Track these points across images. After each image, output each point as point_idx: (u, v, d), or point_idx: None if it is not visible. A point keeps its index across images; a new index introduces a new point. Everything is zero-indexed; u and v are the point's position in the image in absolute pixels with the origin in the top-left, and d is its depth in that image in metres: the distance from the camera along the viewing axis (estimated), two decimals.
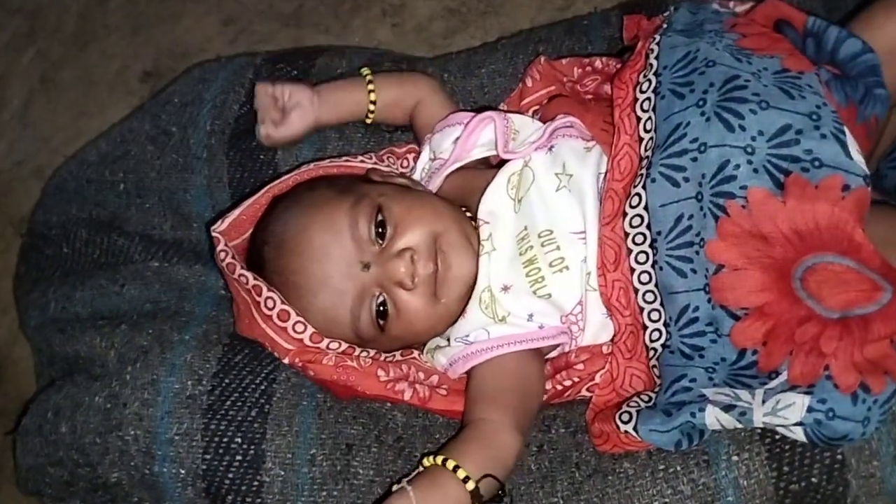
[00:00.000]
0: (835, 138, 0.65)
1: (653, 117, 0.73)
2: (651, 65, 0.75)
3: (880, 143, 0.82)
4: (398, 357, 0.79)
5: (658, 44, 0.76)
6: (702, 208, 0.68)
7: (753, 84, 0.68)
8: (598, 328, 0.76)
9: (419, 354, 0.81)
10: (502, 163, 0.81)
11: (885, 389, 0.63)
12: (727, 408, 0.65)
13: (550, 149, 0.80)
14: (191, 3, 1.27)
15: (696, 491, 0.66)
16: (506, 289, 0.76)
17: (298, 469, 0.71)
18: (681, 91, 0.71)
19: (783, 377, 0.65)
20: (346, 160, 0.86)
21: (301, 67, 0.98)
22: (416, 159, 0.88)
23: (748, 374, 0.66)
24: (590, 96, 0.87)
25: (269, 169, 0.91)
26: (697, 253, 0.68)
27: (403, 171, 0.88)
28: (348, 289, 0.74)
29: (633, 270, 0.72)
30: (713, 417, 0.65)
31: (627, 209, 0.72)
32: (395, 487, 0.64)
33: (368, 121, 0.90)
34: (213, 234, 0.79)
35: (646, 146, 0.73)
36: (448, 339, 0.78)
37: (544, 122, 0.83)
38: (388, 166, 0.87)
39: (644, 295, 0.72)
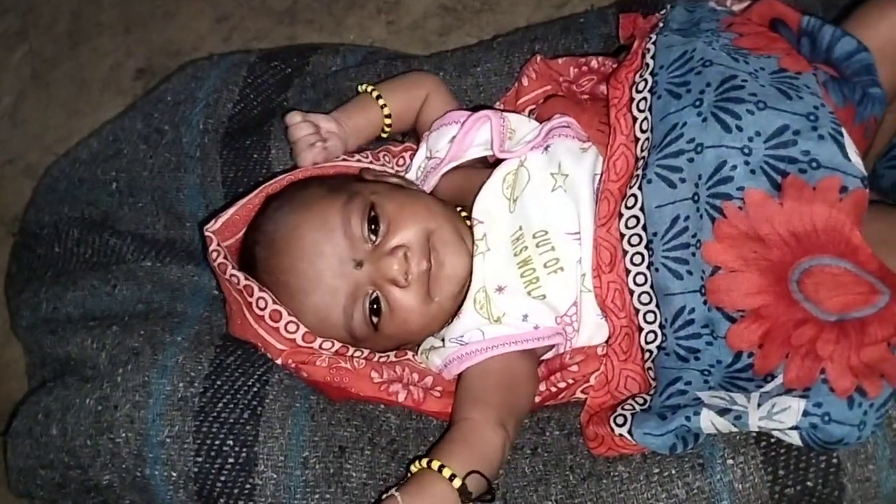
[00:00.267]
0: (832, 139, 0.65)
1: (649, 117, 0.72)
2: (647, 64, 0.74)
3: (876, 142, 0.81)
4: (392, 358, 0.79)
5: (654, 43, 0.75)
6: (698, 209, 0.67)
7: (751, 84, 0.68)
8: (592, 329, 0.76)
9: (413, 355, 0.80)
10: (498, 162, 0.81)
11: (881, 393, 0.62)
12: (722, 411, 0.64)
13: (546, 149, 0.79)
14: (184, 0, 1.26)
15: (691, 495, 0.66)
16: (500, 289, 0.76)
17: (291, 472, 0.71)
18: (677, 91, 0.70)
19: (779, 380, 0.64)
20: (343, 159, 0.85)
21: (295, 65, 0.97)
22: (412, 157, 0.87)
23: (744, 376, 0.66)
24: (586, 96, 0.86)
25: (263, 168, 0.90)
26: (693, 255, 0.67)
27: (399, 169, 0.88)
28: (341, 287, 0.74)
29: (628, 272, 0.72)
30: (708, 421, 0.65)
31: (623, 210, 0.71)
32: (384, 497, 0.64)
33: (385, 135, 0.89)
34: (206, 233, 0.78)
35: (642, 146, 0.73)
36: (443, 340, 0.77)
37: (540, 122, 0.82)
38: (382, 165, 0.86)
39: (639, 297, 0.72)
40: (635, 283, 0.72)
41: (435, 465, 0.65)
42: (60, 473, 0.74)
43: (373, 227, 0.74)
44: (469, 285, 0.76)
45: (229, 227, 0.80)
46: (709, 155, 0.67)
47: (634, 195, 0.71)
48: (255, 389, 0.73)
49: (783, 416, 0.63)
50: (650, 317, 0.71)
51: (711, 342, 0.67)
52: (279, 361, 0.75)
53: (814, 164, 0.64)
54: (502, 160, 0.80)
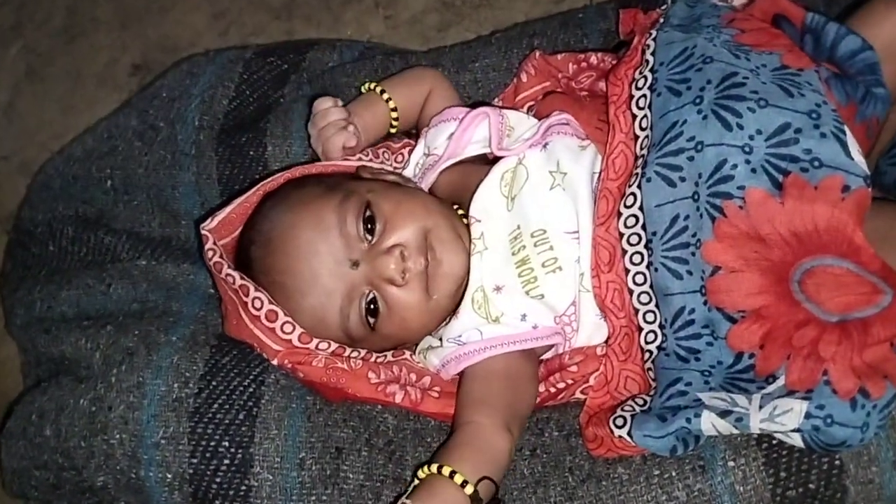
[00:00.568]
0: (835, 138, 0.64)
1: (649, 115, 0.71)
2: (647, 61, 0.73)
3: (880, 140, 0.81)
4: (389, 358, 0.78)
5: (654, 39, 0.74)
6: (698, 209, 0.66)
7: (752, 81, 0.67)
8: (592, 329, 0.75)
9: (411, 355, 0.79)
10: (497, 159, 0.80)
11: (884, 394, 0.61)
12: (723, 413, 0.64)
13: (545, 146, 0.78)
14: None
15: (692, 497, 0.65)
16: (498, 289, 0.75)
17: (287, 473, 0.70)
18: (677, 88, 0.70)
19: (780, 382, 0.63)
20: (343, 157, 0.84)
21: (291, 61, 0.96)
22: (410, 153, 0.86)
23: (745, 377, 0.65)
24: (585, 93, 0.85)
25: (259, 165, 0.89)
26: (693, 254, 0.67)
27: (398, 165, 0.87)
28: (337, 287, 0.73)
29: (627, 271, 0.71)
30: (709, 423, 0.64)
31: (622, 209, 0.71)
32: None
33: (393, 131, 0.87)
34: (202, 232, 0.78)
35: (641, 144, 0.72)
36: (440, 340, 0.77)
37: (539, 119, 0.81)
38: (381, 162, 0.85)
39: (639, 296, 0.71)
40: (634, 283, 0.71)
41: (446, 470, 0.64)
42: (55, 474, 0.73)
43: (369, 226, 0.74)
44: (467, 284, 0.75)
45: (225, 226, 0.80)
46: (709, 153, 0.66)
47: (633, 194, 0.70)
48: (251, 390, 0.73)
49: (785, 419, 0.62)
50: (650, 317, 0.71)
51: (712, 343, 0.67)
52: (275, 362, 0.75)
53: (816, 163, 0.64)
54: (501, 157, 0.79)
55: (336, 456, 0.71)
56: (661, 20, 0.77)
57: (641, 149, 0.72)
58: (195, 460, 0.70)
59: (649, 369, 0.71)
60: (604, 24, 0.92)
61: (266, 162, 0.89)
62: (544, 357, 0.78)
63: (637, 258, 0.70)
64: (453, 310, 0.76)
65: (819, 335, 0.63)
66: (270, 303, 0.73)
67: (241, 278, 0.74)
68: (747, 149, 0.65)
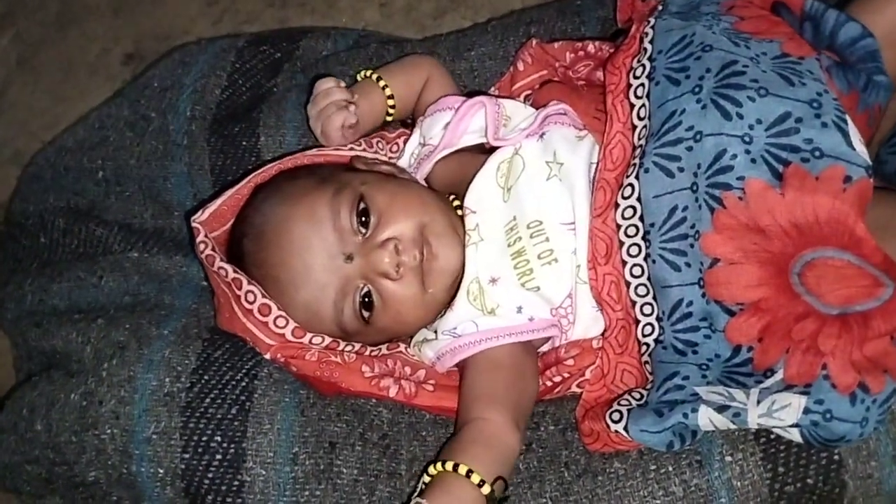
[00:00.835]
0: (836, 127, 0.63)
1: (647, 104, 0.70)
2: (645, 49, 0.72)
3: (880, 128, 0.79)
4: (384, 351, 0.77)
5: (653, 27, 0.73)
6: (697, 200, 0.65)
7: (752, 70, 0.66)
8: (588, 322, 0.74)
9: (406, 348, 0.78)
10: (494, 148, 0.79)
11: (884, 389, 0.61)
12: (721, 408, 0.63)
13: (541, 136, 0.77)
14: None
15: (689, 492, 0.65)
16: (493, 281, 0.74)
17: (280, 468, 0.69)
18: (676, 77, 0.68)
19: (779, 376, 0.63)
20: (335, 148, 0.83)
21: (284, 50, 0.95)
22: (406, 143, 0.85)
23: (743, 371, 0.64)
24: (582, 82, 0.84)
25: (252, 156, 0.88)
26: (692, 246, 0.66)
27: (393, 156, 0.86)
28: (331, 282, 0.72)
29: (624, 263, 0.70)
30: (706, 418, 0.63)
31: (619, 200, 0.70)
32: None
33: (389, 119, 0.86)
34: (193, 224, 0.77)
35: (639, 134, 0.70)
36: (435, 332, 0.76)
37: (536, 108, 0.80)
38: (375, 152, 0.84)
39: (636, 288, 0.70)
40: (632, 275, 0.70)
41: (462, 469, 0.63)
42: (46, 469, 0.73)
43: (363, 219, 0.73)
44: (462, 276, 0.74)
45: (217, 218, 0.79)
46: (708, 143, 0.65)
47: (631, 185, 0.69)
48: (244, 384, 0.72)
49: (783, 414, 0.61)
50: (647, 309, 0.70)
51: (710, 336, 0.66)
52: (268, 356, 0.74)
53: (817, 153, 0.62)
54: (497, 147, 0.78)
55: (329, 451, 0.70)
56: (660, 7, 0.75)
57: (639, 139, 0.71)
58: (187, 455, 0.69)
59: (646, 363, 0.70)
60: (601, 12, 0.91)
61: (259, 152, 0.88)
62: (540, 350, 0.77)
63: (634, 250, 0.69)
64: (449, 302, 0.75)
65: (819, 328, 0.62)
66: (264, 296, 0.73)
67: (234, 271, 0.74)
68: (747, 138, 0.64)
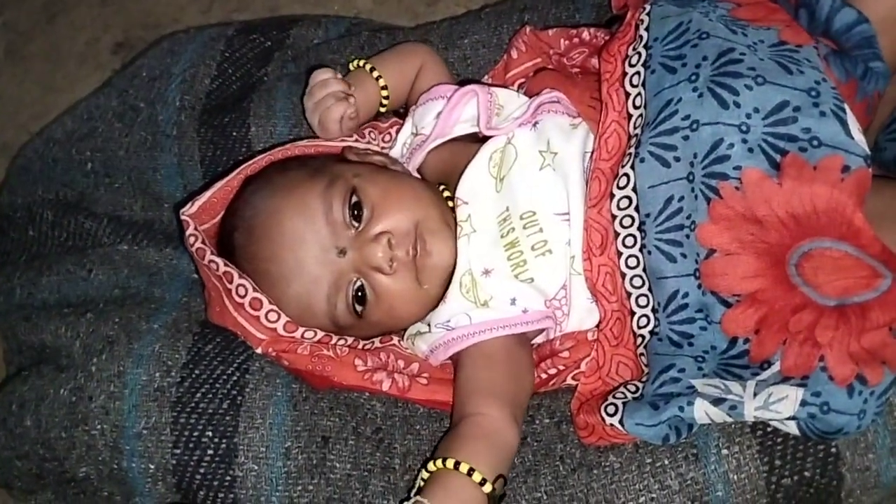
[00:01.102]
0: (834, 116, 0.62)
1: (642, 93, 0.69)
2: (641, 36, 0.71)
3: (879, 114, 0.78)
4: (377, 344, 0.76)
5: (649, 14, 0.72)
6: (693, 190, 0.64)
7: (749, 58, 0.65)
8: (583, 313, 0.74)
9: (399, 341, 0.78)
10: (487, 138, 0.78)
11: (882, 380, 0.60)
12: (717, 401, 0.62)
13: (535, 125, 0.76)
14: None
15: (685, 486, 0.64)
16: (487, 272, 0.73)
17: (272, 463, 0.69)
18: (672, 65, 0.67)
19: (776, 368, 0.62)
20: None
21: (275, 38, 0.94)
22: (398, 132, 0.84)
23: (739, 363, 0.64)
24: (577, 70, 0.83)
25: (243, 146, 0.87)
26: (688, 236, 0.65)
27: (385, 146, 0.84)
28: (324, 276, 0.71)
29: (620, 254, 0.69)
30: (702, 411, 0.63)
31: (615, 190, 0.69)
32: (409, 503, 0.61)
33: (383, 110, 0.85)
34: (182, 217, 0.76)
35: (635, 123, 0.69)
36: (429, 325, 0.75)
37: (530, 97, 0.79)
38: (367, 142, 0.83)
39: (631, 280, 0.69)
40: (627, 266, 0.69)
41: (464, 467, 0.62)
42: (37, 465, 0.72)
43: (355, 212, 0.72)
44: (454, 268, 0.74)
45: (207, 211, 0.78)
46: (704, 132, 0.64)
47: (627, 175, 0.68)
48: (235, 378, 0.71)
49: (780, 406, 0.60)
50: (642, 300, 0.69)
51: (706, 327, 0.65)
52: (259, 350, 0.73)
53: (815, 143, 0.61)
54: (490, 137, 0.77)
55: (322, 445, 0.70)
56: None
57: (635, 128, 0.69)
58: (178, 451, 0.68)
59: (642, 355, 0.70)
60: None
61: (249, 143, 0.87)
62: (535, 342, 0.76)
63: (630, 241, 0.69)
64: (442, 295, 0.74)
65: (816, 320, 0.61)
66: (255, 290, 0.72)
67: (225, 265, 0.73)
68: (744, 128, 0.63)
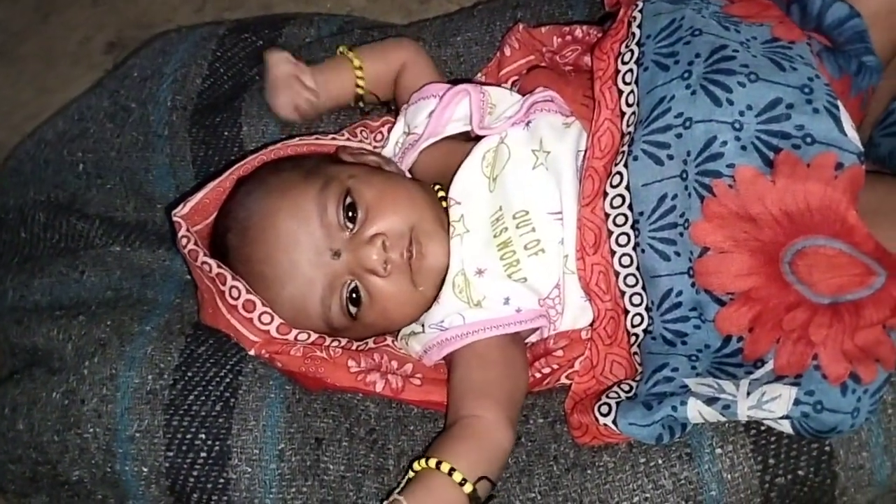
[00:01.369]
0: (828, 113, 0.61)
1: (635, 90, 0.69)
2: (633, 34, 0.71)
3: (872, 109, 0.78)
4: (370, 345, 0.76)
5: (641, 11, 0.71)
6: (686, 188, 0.64)
7: (742, 55, 0.64)
8: (576, 312, 0.73)
9: (393, 342, 0.77)
10: (480, 137, 0.77)
11: (876, 378, 0.60)
12: (710, 400, 0.62)
13: (527, 124, 0.76)
14: None
15: (679, 485, 0.64)
16: (480, 272, 0.73)
17: (266, 465, 0.68)
18: (665, 62, 0.67)
19: (769, 366, 0.62)
20: (317, 138, 0.82)
21: (267, 37, 0.93)
22: (390, 131, 0.84)
23: (733, 362, 0.64)
24: (569, 68, 0.83)
25: (235, 146, 0.87)
26: (681, 235, 0.64)
27: (377, 145, 0.84)
28: (318, 278, 0.71)
29: (613, 253, 0.69)
30: (695, 411, 0.62)
31: (608, 189, 0.68)
32: (387, 501, 0.61)
33: (360, 92, 0.85)
34: (174, 219, 0.75)
35: (628, 121, 0.69)
36: (422, 326, 0.75)
37: (523, 95, 0.79)
38: (360, 141, 0.83)
39: (625, 278, 0.69)
40: (621, 265, 0.69)
41: (445, 466, 0.62)
42: (30, 469, 0.72)
43: (350, 214, 0.71)
44: (447, 269, 0.73)
45: (199, 212, 0.77)
46: (697, 130, 0.63)
47: (620, 173, 0.67)
48: (228, 380, 0.71)
49: (773, 405, 0.60)
50: (636, 299, 0.69)
51: (699, 326, 0.65)
52: (252, 352, 0.73)
53: (808, 140, 0.61)
54: (483, 136, 0.76)
55: (316, 447, 0.70)
56: None
57: (628, 126, 0.69)
58: (171, 454, 0.68)
59: (635, 353, 0.69)
60: None
61: (241, 142, 0.86)
62: (528, 341, 0.76)
63: (623, 239, 0.68)
64: (436, 296, 0.74)
65: (810, 318, 0.61)
66: (248, 292, 0.71)
67: (219, 266, 0.72)
68: (737, 125, 0.62)
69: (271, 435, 0.69)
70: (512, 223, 0.72)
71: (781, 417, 0.60)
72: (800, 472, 0.63)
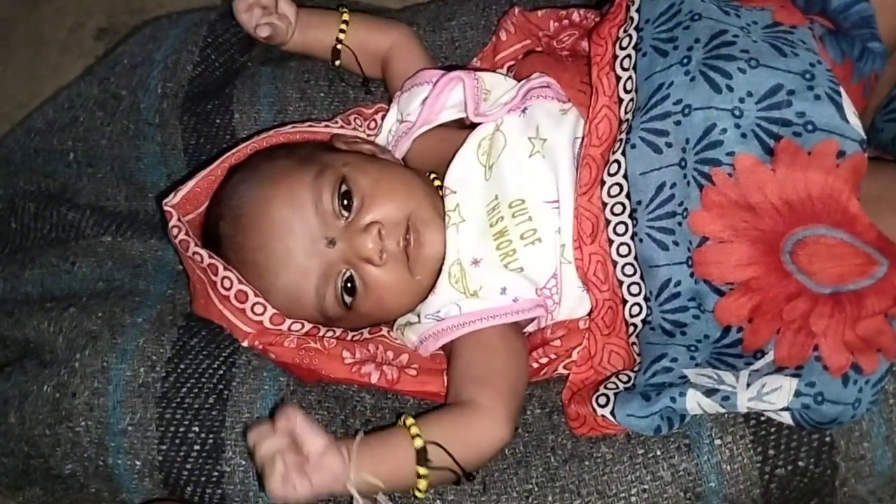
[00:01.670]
0: (829, 100, 0.60)
1: (633, 77, 0.67)
2: (632, 18, 0.69)
3: (876, 94, 0.77)
4: (366, 335, 0.75)
5: None
6: (685, 176, 0.63)
7: (742, 40, 0.63)
8: (574, 302, 0.72)
9: (388, 331, 0.77)
10: (475, 123, 0.76)
11: (878, 368, 0.59)
12: (709, 392, 0.61)
13: (524, 111, 0.74)
14: None
15: (677, 476, 0.63)
16: (476, 262, 0.72)
17: None
18: (664, 48, 0.66)
19: (769, 357, 0.61)
20: (310, 125, 0.81)
21: None
22: (384, 119, 0.82)
23: (732, 352, 0.63)
24: (566, 53, 0.81)
25: (227, 134, 0.86)
26: (680, 224, 0.64)
27: (371, 133, 0.83)
28: (313, 266, 0.70)
29: (611, 242, 0.68)
30: (694, 402, 0.62)
31: (605, 177, 0.67)
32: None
33: (337, 62, 0.85)
34: (165, 208, 0.74)
35: (626, 108, 0.68)
36: (418, 316, 0.74)
37: (519, 80, 0.77)
38: (354, 129, 0.82)
39: (623, 268, 0.68)
40: (619, 254, 0.68)
41: (409, 421, 0.62)
42: (22, 462, 0.72)
43: (345, 202, 0.70)
44: (443, 259, 0.72)
45: (190, 201, 0.76)
46: (697, 117, 0.62)
47: (618, 161, 0.66)
48: (221, 372, 0.70)
49: (773, 397, 0.60)
50: (634, 289, 0.68)
51: (698, 316, 0.64)
52: (245, 343, 0.72)
53: (809, 127, 0.60)
54: (478, 123, 0.75)
55: None
56: None
57: (626, 113, 0.68)
58: (164, 447, 0.68)
59: (634, 344, 0.69)
60: None
61: (233, 130, 0.85)
62: (526, 331, 0.75)
63: (621, 228, 0.67)
64: (432, 286, 0.73)
65: (811, 308, 0.60)
66: (241, 282, 0.70)
67: (210, 256, 0.71)
68: (737, 112, 0.61)
69: None
70: (508, 212, 0.71)
71: (782, 409, 0.60)
72: (800, 463, 0.62)
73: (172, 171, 0.86)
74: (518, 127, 0.73)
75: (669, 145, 0.64)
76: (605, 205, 0.67)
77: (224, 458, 0.68)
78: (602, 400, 0.65)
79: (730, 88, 0.61)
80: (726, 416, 0.64)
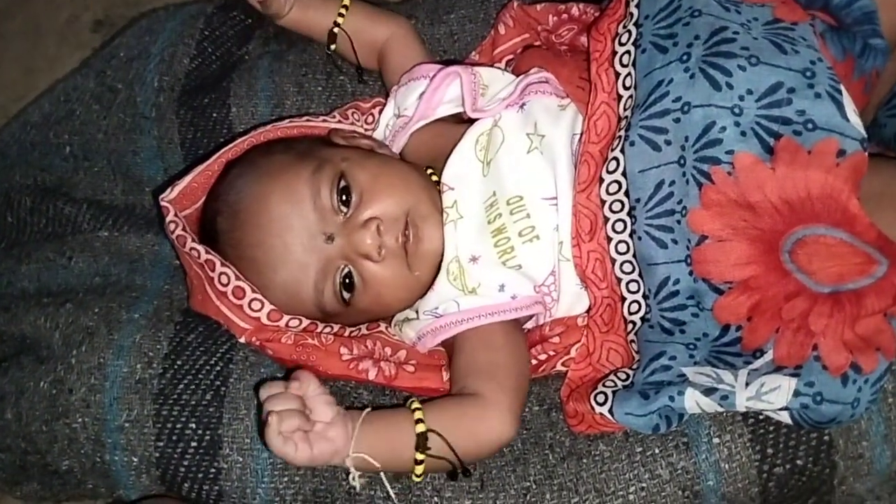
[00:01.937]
0: (830, 98, 0.60)
1: (633, 73, 0.67)
2: (631, 14, 0.69)
3: (878, 89, 0.76)
4: (364, 331, 0.75)
5: None
6: (684, 174, 0.63)
7: (742, 37, 0.62)
8: (573, 299, 0.72)
9: (386, 328, 0.76)
10: (473, 118, 0.75)
11: (877, 367, 0.59)
12: (708, 391, 0.61)
13: (522, 107, 0.74)
14: None
15: (675, 475, 0.63)
16: (474, 259, 0.71)
17: (258, 454, 0.68)
18: (663, 44, 0.65)
19: (768, 357, 0.61)
20: (307, 120, 0.80)
21: (256, 15, 0.90)
22: (381, 113, 0.82)
23: (731, 351, 0.63)
24: (565, 48, 0.81)
25: (223, 128, 0.85)
26: (679, 222, 0.63)
27: (369, 127, 0.82)
28: (311, 262, 0.69)
29: (609, 240, 0.67)
30: (693, 401, 0.62)
31: (604, 175, 0.67)
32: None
33: (333, 46, 0.84)
34: (162, 203, 0.74)
35: (625, 105, 0.67)
36: (416, 312, 0.74)
37: (517, 75, 0.77)
38: (352, 123, 0.81)
39: (622, 265, 0.68)
40: (617, 252, 0.67)
41: (415, 405, 0.63)
42: (19, 458, 0.72)
43: (344, 197, 0.70)
44: (441, 256, 0.72)
45: (187, 196, 0.76)
46: (696, 115, 0.62)
47: (616, 158, 0.66)
48: (218, 369, 0.70)
49: (772, 397, 0.59)
50: (633, 287, 0.68)
51: (697, 314, 0.64)
52: (242, 339, 0.72)
53: (809, 126, 0.59)
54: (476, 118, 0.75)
55: None
56: None
57: (625, 110, 0.67)
58: (161, 443, 0.68)
59: (632, 341, 0.69)
60: None
61: (230, 124, 0.85)
62: (525, 328, 0.75)
63: (620, 226, 0.67)
64: (431, 282, 0.73)
65: (810, 307, 0.60)
66: (238, 279, 0.70)
67: (207, 252, 0.71)
68: (737, 110, 0.61)
69: None
70: (506, 209, 0.71)
71: (780, 409, 0.60)
72: (798, 462, 0.62)
73: (169, 166, 0.86)
74: (516, 123, 0.73)
75: (668, 143, 0.63)
76: (603, 202, 0.67)
77: (221, 455, 0.67)
78: (600, 398, 0.65)
79: (729, 86, 0.61)
80: (725, 414, 0.64)
